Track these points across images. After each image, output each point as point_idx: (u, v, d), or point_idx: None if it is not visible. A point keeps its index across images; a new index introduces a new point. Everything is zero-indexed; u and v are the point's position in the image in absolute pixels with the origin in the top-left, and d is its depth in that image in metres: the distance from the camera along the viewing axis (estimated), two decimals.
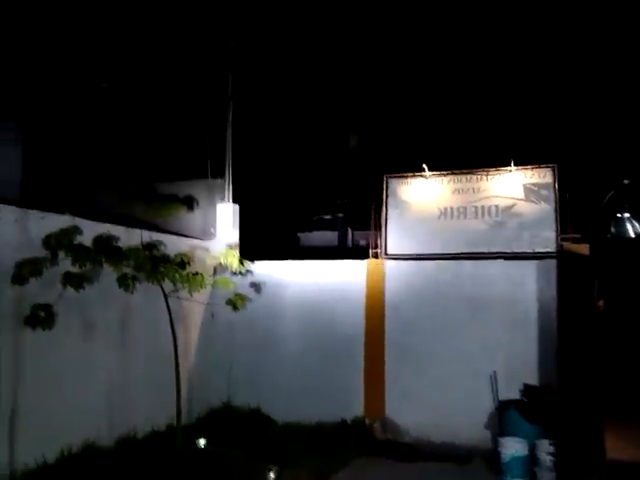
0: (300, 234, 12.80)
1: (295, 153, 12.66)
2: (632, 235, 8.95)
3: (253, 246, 9.92)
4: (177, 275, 6.32)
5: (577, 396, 7.17)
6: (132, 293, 6.13)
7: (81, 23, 8.63)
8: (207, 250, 9.19)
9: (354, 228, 12.55)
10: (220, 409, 8.91)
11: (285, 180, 12.68)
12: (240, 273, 8.93)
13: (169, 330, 6.74)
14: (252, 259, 9.37)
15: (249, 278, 9.16)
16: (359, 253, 9.48)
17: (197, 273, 6.87)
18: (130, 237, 7.23)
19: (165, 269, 6.24)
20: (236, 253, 8.38)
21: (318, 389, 8.77)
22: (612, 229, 9.32)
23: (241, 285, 8.71)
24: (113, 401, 7.37)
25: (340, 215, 12.82)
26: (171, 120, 10.38)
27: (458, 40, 9.45)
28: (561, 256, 7.67)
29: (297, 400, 8.74)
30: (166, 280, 6.44)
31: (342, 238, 12.51)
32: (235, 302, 7.51)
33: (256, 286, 9.17)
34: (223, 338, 9.27)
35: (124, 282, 6.01)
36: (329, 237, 12.58)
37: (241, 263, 8.78)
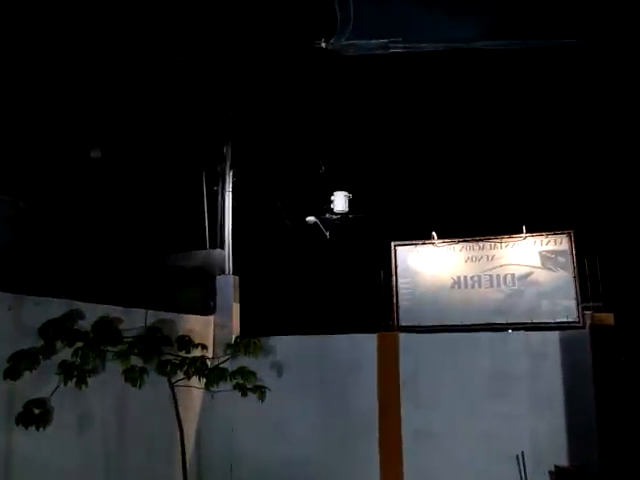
0: None
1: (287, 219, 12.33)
2: None
3: (253, 319, 9.42)
4: (193, 369, 5.76)
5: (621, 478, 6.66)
6: (140, 388, 5.56)
7: (76, 99, 8.38)
8: (209, 326, 8.66)
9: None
10: None
11: (281, 248, 12.28)
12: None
13: (167, 417, 6.18)
14: (254, 334, 8.75)
15: (266, 359, 8.40)
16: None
17: (208, 359, 6.32)
18: (131, 318, 6.77)
19: (180, 363, 5.67)
20: (258, 342, 7.36)
21: (329, 477, 8.11)
22: None
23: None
24: None
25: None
26: (167, 192, 10.04)
27: (468, 104, 9.40)
28: (593, 327, 7.32)
29: None
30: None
31: None
32: (244, 390, 6.81)
33: (278, 368, 8.33)
34: (224, 422, 8.54)
35: (130, 375, 5.44)
36: None
37: (256, 343, 7.54)
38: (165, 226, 9.91)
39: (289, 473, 8.24)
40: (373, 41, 3.15)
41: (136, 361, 6.17)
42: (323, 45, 3.16)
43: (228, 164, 9.83)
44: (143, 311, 7.06)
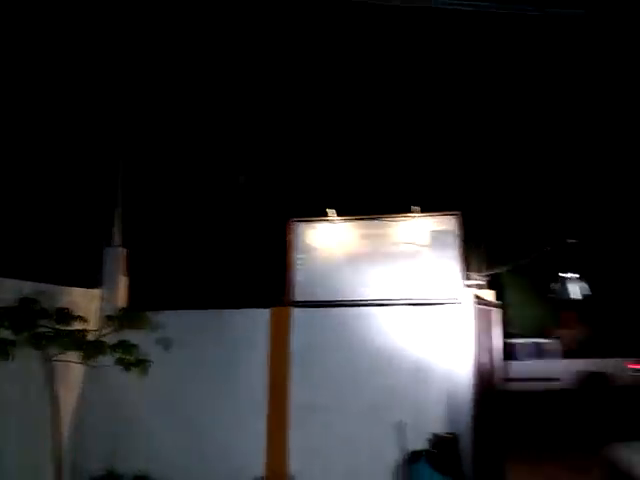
0: None
1: (186, 191, 11.92)
2: (572, 296, 8.97)
3: (143, 293, 9.05)
4: (69, 342, 5.41)
5: (486, 443, 7.13)
6: (11, 361, 5.15)
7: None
8: (94, 299, 8.23)
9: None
10: (101, 477, 7.86)
11: (176, 222, 11.86)
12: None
13: (42, 394, 5.79)
14: (143, 308, 8.39)
15: (155, 334, 8.00)
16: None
17: (85, 333, 5.98)
18: (2, 289, 6.26)
19: (55, 336, 5.30)
20: (144, 315, 7.08)
21: (213, 449, 8.08)
22: (554, 288, 9.33)
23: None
24: None
25: None
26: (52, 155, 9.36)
27: (368, 84, 9.47)
28: (475, 305, 7.70)
29: (190, 462, 8.02)
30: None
31: None
32: (129, 365, 6.52)
33: (165, 343, 8.05)
34: (106, 397, 8.22)
35: None
36: None
37: (141, 317, 7.36)
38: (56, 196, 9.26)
39: (178, 449, 8.11)
40: None
41: (7, 334, 5.73)
42: None
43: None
44: (18, 282, 6.58)
